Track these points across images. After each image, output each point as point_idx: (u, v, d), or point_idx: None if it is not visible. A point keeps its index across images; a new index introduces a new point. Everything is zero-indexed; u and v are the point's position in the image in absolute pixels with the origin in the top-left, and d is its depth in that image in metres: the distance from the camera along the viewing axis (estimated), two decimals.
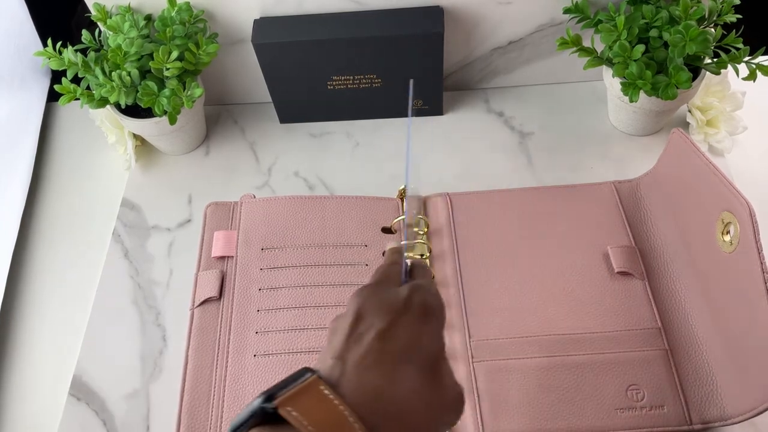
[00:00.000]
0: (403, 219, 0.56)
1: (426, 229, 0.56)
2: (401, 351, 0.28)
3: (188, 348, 0.52)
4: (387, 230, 0.57)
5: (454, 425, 0.30)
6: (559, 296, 0.52)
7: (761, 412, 0.42)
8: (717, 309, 0.48)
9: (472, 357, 0.49)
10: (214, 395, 0.49)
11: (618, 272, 0.52)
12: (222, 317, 0.53)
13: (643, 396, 0.47)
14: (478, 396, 0.48)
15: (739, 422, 0.44)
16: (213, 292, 0.54)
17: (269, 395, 0.26)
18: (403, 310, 0.30)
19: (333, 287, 0.53)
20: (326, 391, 0.26)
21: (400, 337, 0.28)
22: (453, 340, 0.51)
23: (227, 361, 0.50)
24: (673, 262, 0.52)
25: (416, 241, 0.55)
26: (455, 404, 0.30)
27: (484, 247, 0.55)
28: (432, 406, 0.28)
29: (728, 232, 0.45)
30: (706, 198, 0.48)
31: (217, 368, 0.50)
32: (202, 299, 0.53)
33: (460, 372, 0.49)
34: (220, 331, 0.52)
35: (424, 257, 0.54)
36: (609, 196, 0.58)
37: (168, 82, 0.58)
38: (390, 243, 0.42)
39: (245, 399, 0.48)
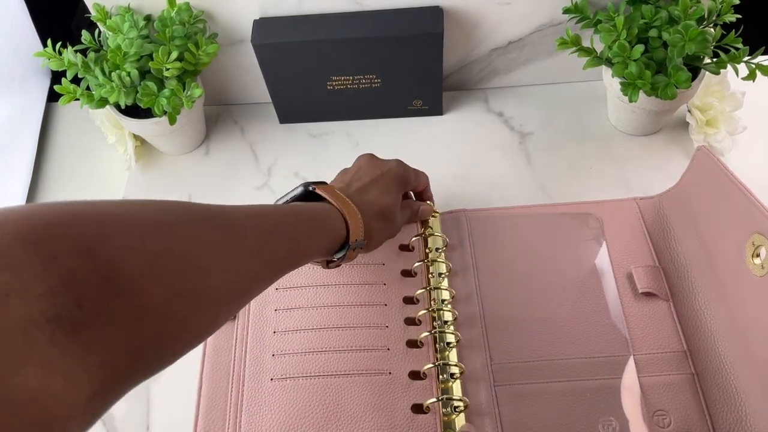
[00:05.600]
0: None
1: (444, 247, 0.55)
2: (379, 192, 0.47)
3: (202, 371, 0.50)
4: (405, 248, 0.55)
5: (388, 238, 0.50)
6: (582, 318, 0.51)
7: None
8: (745, 333, 0.45)
9: (494, 380, 0.48)
10: (229, 421, 0.48)
11: (642, 293, 0.51)
12: (237, 339, 0.51)
13: (669, 422, 0.45)
14: (501, 421, 0.46)
15: None
16: None
17: (307, 184, 0.44)
18: (385, 173, 0.49)
19: (350, 307, 0.52)
20: (339, 192, 0.44)
21: (380, 185, 0.48)
22: (474, 362, 0.49)
23: (243, 386, 0.49)
24: (698, 283, 0.50)
25: (436, 259, 0.54)
26: (395, 231, 0.50)
27: (504, 266, 0.54)
28: (386, 224, 0.48)
29: (758, 255, 0.43)
30: (735, 218, 0.45)
31: (231, 393, 0.49)
32: None
33: (481, 395, 0.48)
34: (235, 353, 0.51)
35: (442, 276, 0.53)
36: (632, 214, 0.56)
37: (168, 82, 0.58)
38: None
39: (263, 425, 0.47)
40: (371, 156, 0.51)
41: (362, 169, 0.49)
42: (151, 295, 0.27)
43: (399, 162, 0.51)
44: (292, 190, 0.45)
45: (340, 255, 0.44)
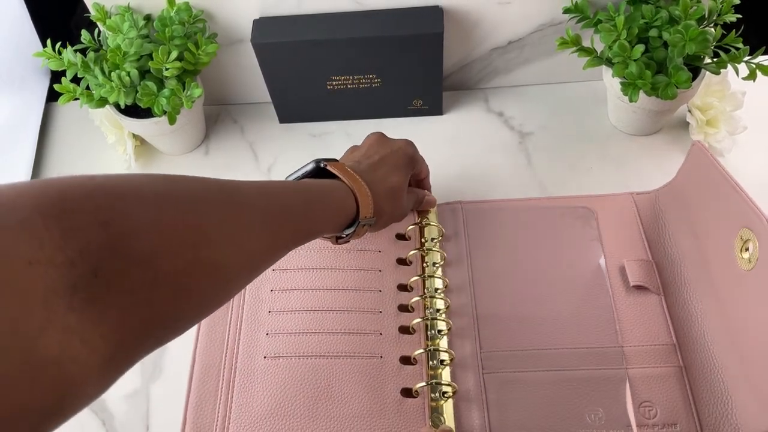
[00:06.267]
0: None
1: (440, 237, 0.56)
2: (389, 170, 0.48)
3: (196, 347, 0.51)
4: (401, 236, 0.56)
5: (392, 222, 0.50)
6: (573, 309, 0.51)
7: None
8: (734, 327, 0.46)
9: (482, 368, 0.49)
10: (221, 395, 0.49)
11: (633, 286, 0.51)
12: (231, 317, 0.52)
13: (655, 413, 0.46)
14: (488, 408, 0.47)
15: None
16: None
17: (318, 161, 0.45)
18: (395, 152, 0.50)
19: (346, 291, 0.53)
20: (350, 169, 0.45)
21: (389, 164, 0.49)
22: (463, 349, 0.50)
23: (236, 362, 0.50)
24: (690, 277, 0.51)
25: (431, 249, 0.54)
26: (401, 214, 0.51)
27: (497, 257, 0.55)
28: (395, 203, 0.48)
29: (747, 249, 0.43)
30: (726, 213, 0.46)
31: (224, 368, 0.50)
32: None
33: (469, 382, 0.48)
34: (230, 330, 0.52)
35: (436, 265, 0.54)
36: (627, 208, 0.57)
37: (167, 82, 0.58)
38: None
39: (255, 401, 0.48)
40: (381, 134, 0.52)
41: (372, 148, 0.50)
42: (165, 266, 0.28)
43: (408, 142, 0.52)
44: (304, 166, 0.46)
45: (349, 231, 0.45)
